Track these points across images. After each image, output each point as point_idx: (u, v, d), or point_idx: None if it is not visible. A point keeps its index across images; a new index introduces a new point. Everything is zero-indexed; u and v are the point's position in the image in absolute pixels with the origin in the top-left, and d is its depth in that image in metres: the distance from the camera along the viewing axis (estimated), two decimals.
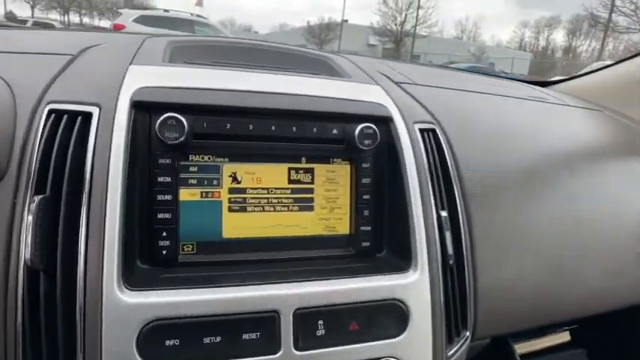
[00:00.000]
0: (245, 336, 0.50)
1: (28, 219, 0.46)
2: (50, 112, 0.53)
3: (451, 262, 0.61)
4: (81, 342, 0.46)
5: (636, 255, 0.84)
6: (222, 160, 0.58)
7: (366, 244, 0.62)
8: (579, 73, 1.39)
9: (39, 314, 0.47)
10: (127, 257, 0.50)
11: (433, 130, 0.70)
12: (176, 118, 0.52)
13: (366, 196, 0.63)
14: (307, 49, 0.96)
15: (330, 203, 0.62)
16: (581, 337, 1.05)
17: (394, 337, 0.55)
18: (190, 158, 0.56)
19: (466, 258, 0.65)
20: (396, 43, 34.19)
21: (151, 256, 0.54)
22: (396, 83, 0.85)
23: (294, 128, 0.59)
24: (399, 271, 0.57)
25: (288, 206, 0.60)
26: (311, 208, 0.61)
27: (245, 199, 0.58)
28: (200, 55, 0.76)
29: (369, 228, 0.63)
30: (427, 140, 0.67)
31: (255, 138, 0.58)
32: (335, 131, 0.60)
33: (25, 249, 0.46)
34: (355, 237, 0.62)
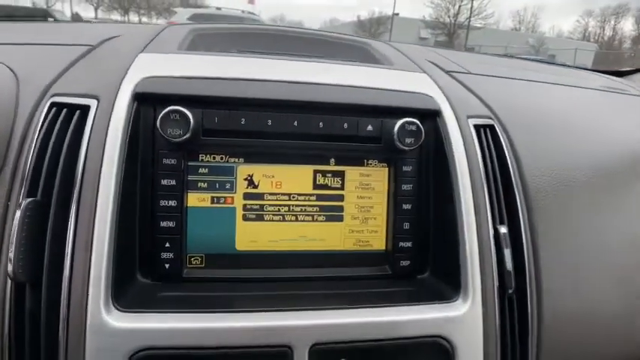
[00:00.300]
0: None
1: (14, 226, 0.41)
2: (52, 105, 0.49)
3: (510, 290, 0.50)
4: None
5: None
6: (237, 160, 0.50)
7: (405, 263, 0.53)
8: None
9: (24, 329, 0.42)
10: (125, 270, 0.44)
11: (491, 127, 0.58)
12: (180, 111, 0.45)
13: (406, 206, 0.53)
14: (343, 34, 0.86)
15: (364, 213, 0.53)
16: None
17: None
18: (200, 158, 0.49)
19: (529, 284, 0.53)
20: (449, 35, 33.11)
21: (152, 270, 0.48)
22: (447, 72, 0.73)
23: (321, 124, 0.50)
24: (444, 301, 0.47)
25: (312, 216, 0.51)
26: (340, 219, 0.52)
27: (262, 206, 0.50)
28: (223, 44, 0.68)
29: (409, 244, 0.53)
30: (483, 139, 0.56)
31: (274, 135, 0.49)
32: (370, 127, 0.51)
33: (7, 261, 0.40)
34: (392, 254, 0.53)
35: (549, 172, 0.60)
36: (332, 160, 0.52)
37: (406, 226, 0.53)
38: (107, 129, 0.45)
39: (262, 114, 0.49)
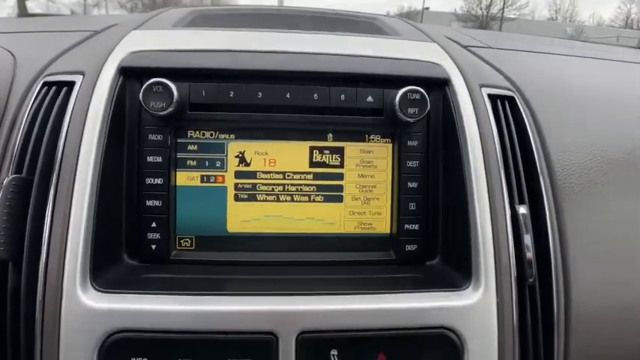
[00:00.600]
0: None
1: None
2: (44, 84, 0.48)
3: (531, 279, 0.44)
4: (39, 346, 0.39)
5: None
6: (228, 136, 0.47)
7: (411, 247, 0.48)
8: None
9: (6, 307, 0.40)
10: (109, 250, 0.42)
11: (511, 99, 0.52)
12: (162, 83, 0.43)
13: (412, 184, 0.48)
14: (354, 12, 0.81)
15: (365, 193, 0.48)
16: None
17: None
18: (189, 135, 0.47)
19: (555, 272, 0.47)
20: (482, 28, 32.20)
21: (139, 251, 0.45)
22: (465, 47, 0.67)
23: (316, 95, 0.46)
24: (453, 288, 0.42)
25: (309, 196, 0.48)
26: (340, 199, 0.48)
27: (255, 185, 0.47)
28: (222, 22, 0.66)
29: (415, 227, 0.48)
30: (500, 111, 0.50)
31: (266, 109, 0.46)
32: (370, 99, 0.47)
33: None
34: (397, 238, 0.48)
35: (581, 149, 0.53)
36: (330, 136, 0.48)
37: (412, 206, 0.48)
38: (89, 104, 0.43)
39: (252, 86, 0.45)
